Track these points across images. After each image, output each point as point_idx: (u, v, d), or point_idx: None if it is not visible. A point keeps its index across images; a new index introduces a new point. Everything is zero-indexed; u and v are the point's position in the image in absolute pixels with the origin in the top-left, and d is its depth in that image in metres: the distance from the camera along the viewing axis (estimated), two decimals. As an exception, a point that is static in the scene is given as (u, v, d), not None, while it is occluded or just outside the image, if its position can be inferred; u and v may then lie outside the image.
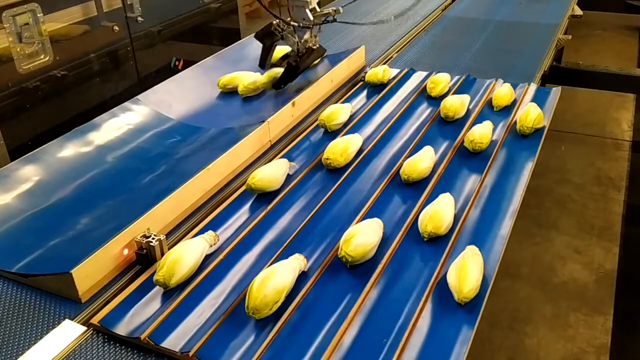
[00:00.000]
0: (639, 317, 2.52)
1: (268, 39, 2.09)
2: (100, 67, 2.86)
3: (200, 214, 1.54)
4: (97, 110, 2.04)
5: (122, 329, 1.16)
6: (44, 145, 1.75)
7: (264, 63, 2.13)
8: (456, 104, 1.95)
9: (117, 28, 2.88)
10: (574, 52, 4.74)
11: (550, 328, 2.44)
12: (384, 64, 2.46)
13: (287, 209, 1.54)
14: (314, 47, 2.09)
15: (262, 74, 2.18)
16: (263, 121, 1.82)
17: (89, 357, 1.12)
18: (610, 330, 2.42)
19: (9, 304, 1.26)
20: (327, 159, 1.69)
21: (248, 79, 2.14)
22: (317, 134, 1.92)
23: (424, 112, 2.05)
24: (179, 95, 2.12)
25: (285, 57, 2.15)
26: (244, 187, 1.61)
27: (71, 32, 2.69)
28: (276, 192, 1.60)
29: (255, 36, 2.14)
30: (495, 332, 2.42)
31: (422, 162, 1.64)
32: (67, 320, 1.20)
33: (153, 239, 1.32)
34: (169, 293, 1.26)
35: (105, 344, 1.15)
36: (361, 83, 2.30)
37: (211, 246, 1.37)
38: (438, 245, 1.38)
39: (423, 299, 1.22)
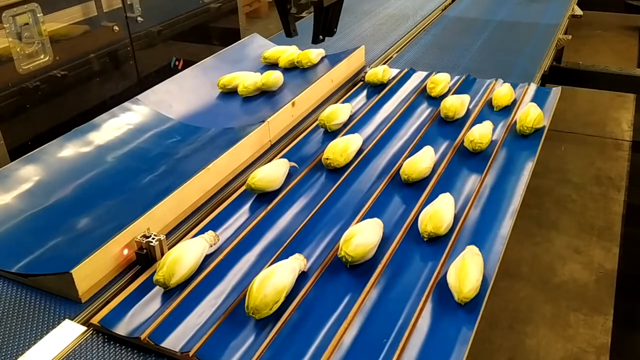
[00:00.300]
0: (639, 317, 2.52)
1: None
2: (100, 67, 2.85)
3: (200, 214, 1.54)
4: (97, 110, 2.04)
5: (122, 329, 1.16)
6: (44, 145, 1.75)
7: (289, 30, 1.91)
8: (456, 104, 1.95)
9: (117, 28, 2.88)
10: (574, 52, 4.74)
11: (550, 328, 2.44)
12: (384, 64, 2.47)
13: (287, 209, 1.54)
14: None
15: (261, 74, 2.18)
16: (263, 121, 1.82)
17: (89, 357, 1.13)
18: (610, 330, 2.42)
19: (9, 304, 1.26)
20: (327, 159, 1.69)
21: (248, 79, 2.14)
22: (317, 134, 1.92)
23: (424, 112, 2.05)
24: (179, 95, 2.12)
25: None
26: (244, 187, 1.61)
27: (71, 32, 2.69)
28: (276, 192, 1.60)
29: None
30: (495, 332, 2.42)
31: (422, 162, 1.64)
32: (67, 320, 1.20)
33: (153, 239, 1.32)
34: (169, 293, 1.26)
35: (105, 344, 1.15)
36: (361, 83, 2.30)
37: (211, 246, 1.37)
38: (438, 245, 1.38)
39: (423, 299, 1.22)
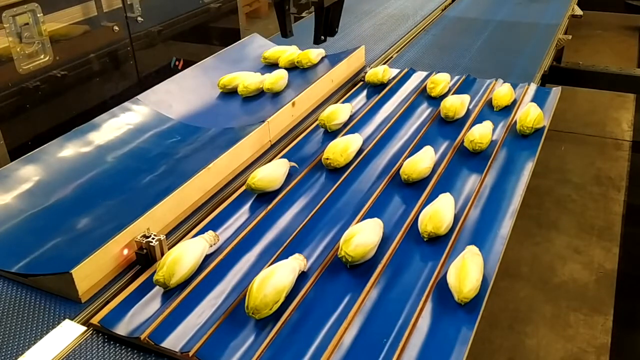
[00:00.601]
0: (639, 317, 2.52)
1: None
2: (100, 67, 2.85)
3: (200, 214, 1.54)
4: (97, 110, 2.04)
5: (122, 329, 1.16)
6: (44, 145, 1.75)
7: (285, 30, 1.94)
8: (456, 104, 1.95)
9: (117, 28, 2.88)
10: (574, 52, 4.74)
11: (550, 328, 2.44)
12: (384, 64, 2.46)
13: (287, 209, 1.54)
14: None
15: (262, 74, 2.18)
16: (263, 121, 1.82)
17: (89, 357, 1.13)
18: (610, 330, 2.42)
19: (9, 304, 1.26)
20: (327, 159, 1.69)
21: (248, 79, 2.14)
22: (317, 134, 1.92)
23: (424, 112, 2.05)
24: (179, 95, 2.12)
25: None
26: (244, 187, 1.61)
27: (71, 32, 2.69)
28: (276, 192, 1.60)
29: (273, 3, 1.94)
30: (495, 332, 2.42)
31: (422, 162, 1.64)
32: (67, 320, 1.20)
33: (153, 239, 1.32)
34: (169, 293, 1.26)
35: (105, 344, 1.15)
36: (361, 83, 2.30)
37: (211, 246, 1.37)
38: (438, 245, 1.38)
39: (423, 299, 1.22)
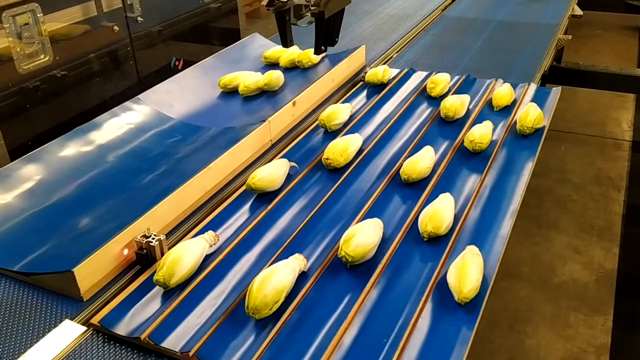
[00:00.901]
0: (639, 317, 2.52)
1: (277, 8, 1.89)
2: (100, 67, 2.85)
3: (200, 214, 1.54)
4: (97, 110, 2.04)
5: (122, 329, 1.16)
6: (45, 145, 1.75)
7: (286, 40, 1.94)
8: (456, 104, 1.95)
9: (117, 28, 2.88)
10: (574, 52, 4.74)
11: (550, 328, 2.44)
12: (384, 64, 2.46)
13: (287, 209, 1.54)
14: None
15: (262, 73, 2.19)
16: (264, 121, 1.82)
17: (89, 357, 1.13)
18: (610, 330, 2.42)
19: (9, 305, 1.26)
20: (327, 159, 1.69)
21: (249, 78, 2.14)
22: (317, 134, 1.92)
23: (424, 112, 2.05)
24: (180, 95, 2.12)
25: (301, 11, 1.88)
26: (244, 187, 1.61)
27: (71, 32, 2.69)
28: (276, 192, 1.60)
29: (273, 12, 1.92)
30: (495, 332, 2.42)
31: (422, 162, 1.64)
32: (67, 320, 1.20)
33: (153, 239, 1.32)
34: (169, 293, 1.26)
35: (105, 344, 1.15)
36: (361, 83, 2.30)
37: (211, 246, 1.37)
38: (438, 245, 1.38)
39: (423, 299, 1.22)
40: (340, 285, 1.27)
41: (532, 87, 2.17)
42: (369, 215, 1.48)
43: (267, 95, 2.13)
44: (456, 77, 2.28)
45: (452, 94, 2.12)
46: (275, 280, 1.19)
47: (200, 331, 1.16)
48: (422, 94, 2.16)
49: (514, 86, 2.14)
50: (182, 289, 1.26)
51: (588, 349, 2.34)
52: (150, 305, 1.23)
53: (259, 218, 1.50)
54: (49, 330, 1.18)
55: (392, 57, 2.63)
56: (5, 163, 1.98)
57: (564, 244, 2.91)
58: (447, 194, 1.51)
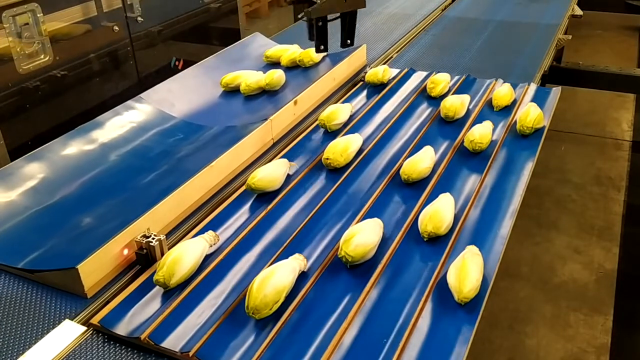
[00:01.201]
0: (639, 317, 2.52)
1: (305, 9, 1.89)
2: (100, 67, 2.85)
3: (200, 214, 1.54)
4: (97, 110, 2.04)
5: (122, 329, 1.16)
6: (48, 143, 1.77)
7: (319, 46, 1.96)
8: (456, 104, 1.95)
9: (117, 28, 2.88)
10: (574, 52, 4.74)
11: (550, 328, 2.44)
12: (384, 64, 2.47)
13: (287, 209, 1.54)
14: None
15: (264, 72, 2.19)
16: (266, 119, 1.82)
17: (89, 357, 1.13)
18: (610, 330, 2.42)
19: (9, 305, 1.26)
20: (327, 159, 1.69)
21: (250, 77, 2.15)
22: (317, 134, 1.92)
23: (424, 112, 2.05)
24: (182, 94, 2.13)
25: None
26: (244, 187, 1.61)
27: (71, 32, 2.69)
28: (276, 192, 1.60)
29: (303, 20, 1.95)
30: (495, 332, 2.42)
31: (422, 162, 1.64)
32: (67, 320, 1.20)
33: (153, 239, 1.32)
34: (169, 293, 1.26)
35: (105, 344, 1.15)
36: (361, 83, 2.30)
37: (211, 246, 1.37)
38: (438, 245, 1.38)
39: (423, 299, 1.22)
40: (340, 285, 1.27)
41: (532, 87, 2.17)
42: (369, 215, 1.48)
43: (268, 94, 2.14)
44: (456, 77, 2.28)
45: (452, 94, 2.12)
46: (275, 280, 1.19)
47: (200, 331, 1.16)
48: (422, 94, 2.16)
49: (514, 86, 2.14)
50: (182, 289, 1.26)
51: (588, 349, 2.34)
52: (150, 305, 1.23)
53: (259, 218, 1.50)
54: (49, 331, 1.18)
55: (392, 57, 2.63)
56: (5, 163, 1.99)
57: (564, 244, 2.91)
58: (447, 194, 1.51)
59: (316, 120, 1.96)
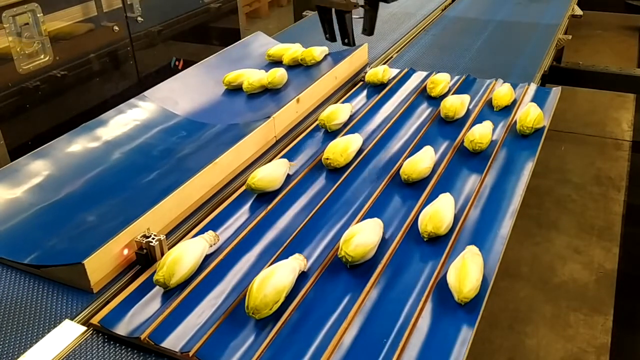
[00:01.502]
0: (639, 317, 2.52)
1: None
2: (100, 67, 2.86)
3: (200, 213, 1.54)
4: (97, 110, 2.04)
5: (122, 329, 1.16)
6: (53, 141, 1.78)
7: (333, 36, 2.02)
8: (456, 104, 1.95)
9: (117, 28, 2.88)
10: (574, 52, 4.74)
11: (550, 328, 2.44)
12: (384, 64, 2.47)
13: (287, 209, 1.54)
14: None
15: (266, 71, 2.20)
16: (269, 117, 1.83)
17: (89, 357, 1.13)
18: (610, 330, 2.42)
19: (9, 305, 1.26)
20: (327, 159, 1.69)
21: (253, 76, 2.16)
22: (317, 134, 1.92)
23: (424, 112, 2.05)
24: (185, 92, 2.14)
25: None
26: (244, 187, 1.61)
27: (71, 32, 2.69)
28: (276, 192, 1.60)
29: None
30: (495, 332, 2.42)
31: (422, 162, 1.64)
32: (67, 320, 1.20)
33: (153, 239, 1.33)
34: (169, 293, 1.26)
35: (105, 344, 1.15)
36: (361, 83, 2.30)
37: (211, 246, 1.37)
38: (438, 245, 1.38)
39: (423, 299, 1.22)
40: (340, 285, 1.27)
41: (532, 87, 2.17)
42: (369, 215, 1.48)
43: (270, 93, 2.15)
44: (456, 77, 2.28)
45: (452, 94, 2.12)
46: (275, 280, 1.19)
47: (200, 331, 1.16)
48: (422, 94, 2.16)
49: (514, 86, 2.14)
50: (182, 289, 1.26)
51: (588, 349, 2.34)
52: (150, 305, 1.23)
53: (259, 218, 1.50)
54: (49, 330, 1.18)
55: (392, 57, 2.63)
56: (5, 163, 1.99)
57: (564, 244, 2.91)
58: (447, 194, 1.51)
59: (316, 120, 1.96)
